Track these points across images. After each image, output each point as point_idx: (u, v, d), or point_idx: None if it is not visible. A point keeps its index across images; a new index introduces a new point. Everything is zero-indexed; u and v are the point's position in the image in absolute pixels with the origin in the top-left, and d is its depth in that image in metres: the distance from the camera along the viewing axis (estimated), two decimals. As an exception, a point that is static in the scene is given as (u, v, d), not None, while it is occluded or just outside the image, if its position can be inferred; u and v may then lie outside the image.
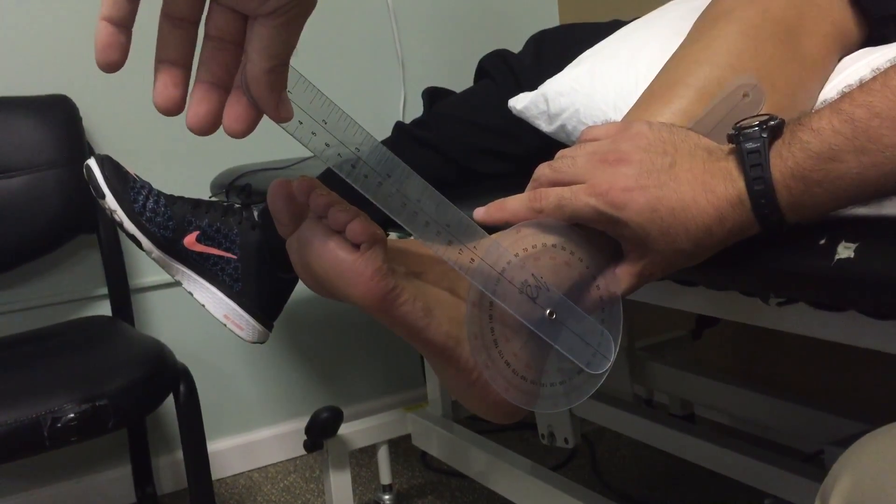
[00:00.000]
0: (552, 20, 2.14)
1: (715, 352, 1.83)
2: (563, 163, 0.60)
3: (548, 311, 0.57)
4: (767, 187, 0.53)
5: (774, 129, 0.54)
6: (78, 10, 1.60)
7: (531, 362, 0.58)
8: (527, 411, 0.59)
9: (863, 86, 0.52)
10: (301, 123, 0.48)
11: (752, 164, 0.53)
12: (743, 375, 1.79)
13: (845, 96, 0.52)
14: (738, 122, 0.55)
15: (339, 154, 0.50)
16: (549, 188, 0.59)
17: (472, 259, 0.55)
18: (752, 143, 0.53)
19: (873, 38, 0.72)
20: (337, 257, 0.53)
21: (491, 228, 0.59)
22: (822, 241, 0.54)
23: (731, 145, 0.56)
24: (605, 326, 0.59)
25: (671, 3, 0.97)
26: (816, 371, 1.62)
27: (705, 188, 0.54)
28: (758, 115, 0.55)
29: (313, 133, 0.49)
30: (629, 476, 1.67)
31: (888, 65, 0.52)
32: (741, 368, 1.81)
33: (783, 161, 0.52)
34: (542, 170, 0.61)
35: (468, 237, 0.55)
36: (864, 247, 0.53)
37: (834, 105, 0.52)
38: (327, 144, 0.49)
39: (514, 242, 0.58)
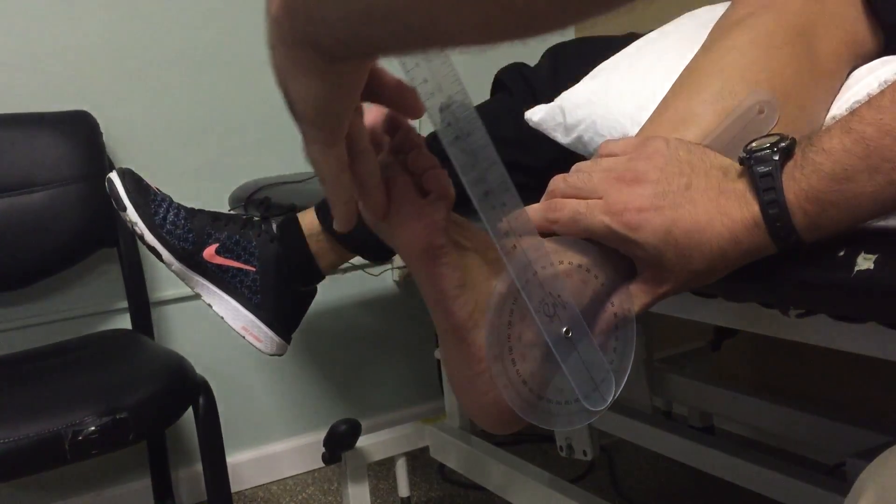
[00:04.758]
0: (568, 33, 2.14)
1: (734, 363, 1.81)
2: (578, 177, 0.60)
3: (564, 329, 0.57)
4: (782, 210, 0.52)
5: (786, 151, 0.53)
6: (98, 28, 1.63)
7: (537, 372, 0.58)
8: (520, 425, 0.59)
9: (871, 102, 0.51)
10: None
11: (766, 187, 0.53)
12: (763, 387, 1.77)
13: (854, 113, 0.52)
14: (747, 144, 0.55)
15: (432, 93, 0.51)
16: (565, 199, 0.59)
17: (515, 246, 0.55)
18: (763, 166, 0.53)
19: (891, 47, 0.72)
20: (403, 195, 0.54)
21: None
22: (842, 253, 0.54)
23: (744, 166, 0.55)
24: (618, 344, 0.58)
25: (687, 14, 0.97)
26: (837, 382, 1.61)
27: (720, 211, 0.54)
28: (768, 136, 0.55)
29: (417, 64, 0.50)
30: (648, 488, 1.66)
31: (895, 77, 0.51)
32: (761, 380, 1.80)
33: (797, 183, 0.52)
34: (557, 183, 0.61)
35: (518, 224, 0.55)
36: (883, 258, 0.52)
37: (844, 123, 0.52)
38: (425, 80, 0.51)
39: (535, 259, 0.58)
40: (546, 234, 0.60)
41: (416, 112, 0.53)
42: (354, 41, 0.40)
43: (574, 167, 0.62)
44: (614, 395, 0.58)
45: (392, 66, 0.51)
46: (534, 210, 0.61)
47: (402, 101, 0.52)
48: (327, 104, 0.45)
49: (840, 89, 0.69)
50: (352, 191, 0.51)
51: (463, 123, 0.53)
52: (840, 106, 0.66)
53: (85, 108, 1.57)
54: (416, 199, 0.54)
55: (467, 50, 0.39)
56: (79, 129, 1.55)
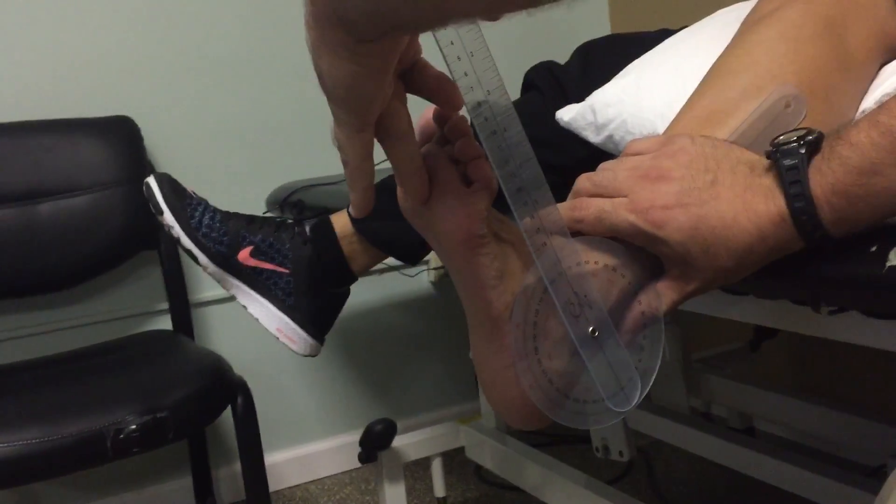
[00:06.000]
0: (603, 30, 2.13)
1: (774, 364, 1.79)
2: (603, 176, 0.60)
3: (591, 329, 0.57)
4: (808, 204, 0.52)
5: (813, 144, 0.53)
6: (139, 35, 1.66)
7: (564, 371, 0.58)
8: (546, 423, 0.59)
9: None
10: (452, 44, 0.51)
11: (791, 180, 0.52)
12: (803, 388, 1.74)
13: (883, 107, 0.51)
14: (775, 139, 0.54)
15: (471, 87, 0.52)
16: (590, 198, 0.59)
17: (545, 243, 0.56)
18: (790, 159, 0.53)
19: None
20: (447, 182, 0.55)
21: None
22: (874, 249, 0.53)
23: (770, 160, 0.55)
24: (646, 343, 0.58)
25: (719, 11, 0.96)
26: (879, 383, 1.57)
27: (746, 206, 0.54)
28: (796, 130, 0.54)
29: (458, 57, 0.52)
30: (687, 491, 1.64)
31: None
32: (802, 380, 1.77)
33: (823, 177, 0.51)
34: (583, 182, 0.61)
35: (549, 222, 0.56)
36: (916, 254, 0.51)
37: (871, 117, 0.51)
38: (465, 73, 0.52)
39: (564, 258, 0.58)
40: (572, 233, 0.60)
41: (455, 105, 0.53)
42: (378, 16, 0.41)
43: (600, 166, 0.62)
44: (640, 395, 0.57)
45: (437, 62, 0.52)
46: (559, 209, 0.61)
47: (441, 92, 0.53)
48: (356, 85, 0.46)
49: (871, 83, 0.67)
50: (371, 178, 0.53)
51: (500, 119, 0.53)
52: (870, 101, 0.65)
53: (126, 113, 1.60)
54: (460, 188, 0.55)
55: (481, 21, 0.41)
56: (120, 134, 1.58)
